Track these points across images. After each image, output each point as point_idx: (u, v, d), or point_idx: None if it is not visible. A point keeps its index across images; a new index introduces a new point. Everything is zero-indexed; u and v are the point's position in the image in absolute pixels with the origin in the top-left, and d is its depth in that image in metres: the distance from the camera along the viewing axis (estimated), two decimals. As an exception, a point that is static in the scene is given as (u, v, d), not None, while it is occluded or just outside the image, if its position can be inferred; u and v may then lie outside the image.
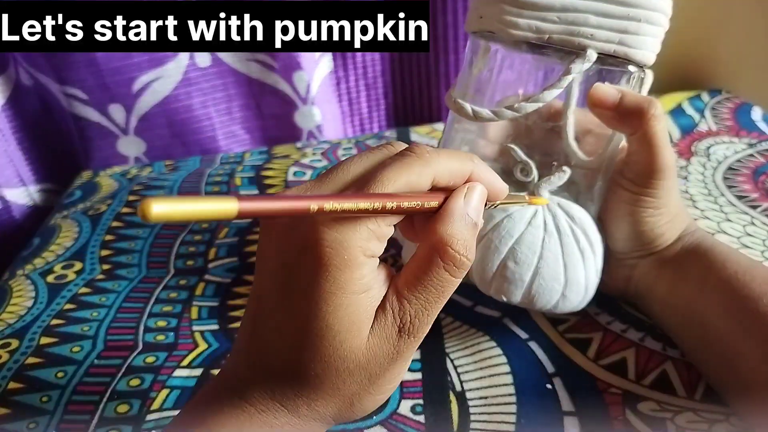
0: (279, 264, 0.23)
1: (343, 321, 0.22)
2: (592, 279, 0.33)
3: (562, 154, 0.34)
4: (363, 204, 0.20)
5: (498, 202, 0.26)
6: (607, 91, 0.31)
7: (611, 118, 0.32)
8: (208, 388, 0.26)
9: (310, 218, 0.22)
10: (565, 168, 0.33)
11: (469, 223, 0.24)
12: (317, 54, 0.67)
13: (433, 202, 0.23)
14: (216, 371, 0.36)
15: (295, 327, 0.23)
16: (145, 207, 0.13)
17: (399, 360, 0.24)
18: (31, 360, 0.37)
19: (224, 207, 0.15)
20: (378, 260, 0.24)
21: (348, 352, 0.23)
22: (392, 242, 0.28)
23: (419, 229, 0.25)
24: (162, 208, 0.14)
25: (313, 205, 0.18)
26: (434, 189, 0.24)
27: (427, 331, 0.24)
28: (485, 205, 0.25)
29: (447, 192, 0.24)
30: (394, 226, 0.24)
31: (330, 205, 0.19)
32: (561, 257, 0.32)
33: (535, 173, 0.34)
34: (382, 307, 0.23)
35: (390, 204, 0.21)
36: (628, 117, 0.31)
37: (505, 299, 0.33)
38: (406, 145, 0.25)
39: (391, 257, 0.43)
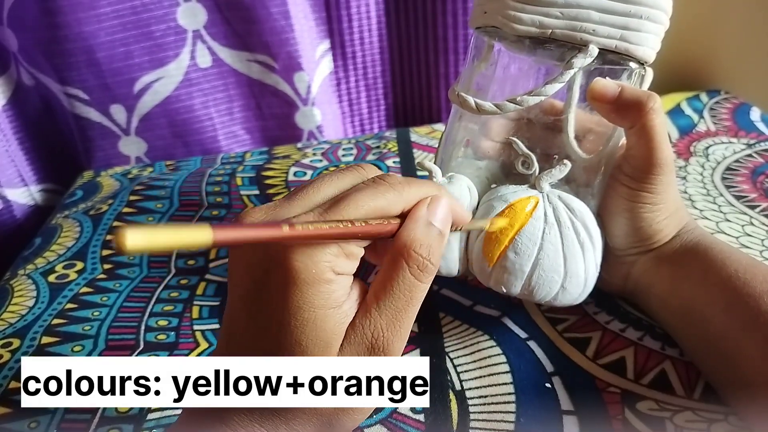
0: (248, 281, 0.23)
1: (311, 337, 0.22)
2: (591, 272, 0.33)
3: (563, 150, 0.35)
4: (331, 225, 0.21)
5: (461, 227, 0.28)
6: (606, 84, 0.32)
7: (610, 112, 0.32)
8: (189, 412, 0.25)
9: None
10: (566, 161, 0.33)
11: (433, 230, 0.24)
12: (318, 55, 0.67)
13: (396, 221, 0.24)
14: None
15: (266, 344, 0.23)
16: (119, 238, 0.13)
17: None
18: (33, 359, 0.37)
19: (199, 236, 0.15)
20: (351, 278, 0.24)
21: None
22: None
23: (381, 251, 0.26)
24: (137, 239, 0.13)
25: (285, 228, 0.19)
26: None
27: (402, 347, 0.24)
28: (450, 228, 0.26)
29: None
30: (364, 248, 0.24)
31: (301, 228, 0.19)
32: (561, 249, 0.32)
33: (536, 166, 0.34)
34: (352, 324, 0.23)
35: (358, 224, 0.22)
36: (627, 110, 0.32)
37: (504, 290, 0.33)
38: (378, 170, 0.26)
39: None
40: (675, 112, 0.61)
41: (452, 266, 0.34)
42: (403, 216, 0.25)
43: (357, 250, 0.24)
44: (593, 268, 0.34)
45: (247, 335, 0.24)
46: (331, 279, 0.22)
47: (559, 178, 0.34)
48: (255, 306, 0.23)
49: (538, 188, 0.34)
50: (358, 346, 0.23)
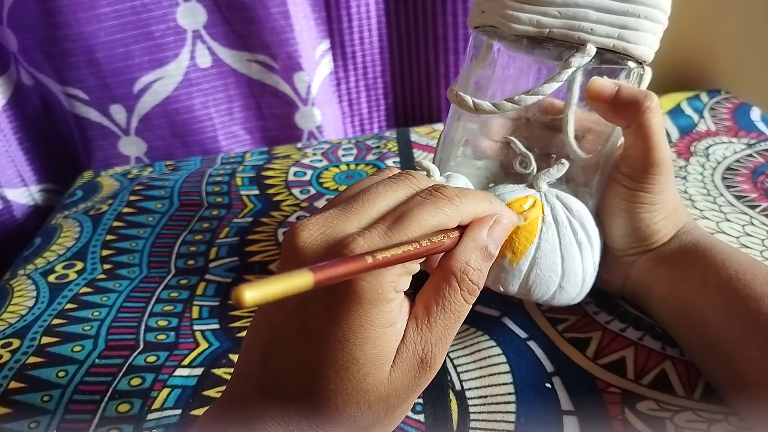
0: (303, 295, 0.23)
1: (369, 354, 0.22)
2: (589, 271, 0.33)
3: (561, 149, 0.35)
4: (405, 249, 0.22)
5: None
6: (603, 83, 0.32)
7: (607, 111, 0.32)
8: (213, 416, 0.25)
9: (344, 251, 0.22)
10: (563, 161, 0.33)
11: (486, 254, 0.25)
12: (318, 55, 0.67)
13: (455, 234, 0.24)
14: (217, 370, 0.36)
15: (316, 357, 0.23)
16: (238, 295, 0.16)
17: (416, 391, 0.24)
18: (33, 359, 0.37)
19: (302, 281, 0.18)
20: (404, 294, 0.24)
21: (370, 385, 0.23)
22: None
23: (432, 259, 0.26)
24: (253, 295, 0.16)
25: (369, 259, 0.20)
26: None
27: (442, 361, 0.25)
28: None
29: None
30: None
31: (381, 257, 0.21)
32: (558, 248, 0.32)
33: (533, 165, 0.34)
34: (403, 340, 0.24)
35: (425, 243, 0.23)
36: (624, 109, 0.32)
37: (502, 290, 0.33)
38: (427, 178, 0.26)
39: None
40: (675, 112, 0.61)
41: None
42: (460, 227, 0.25)
43: (415, 266, 0.24)
44: (591, 268, 0.34)
45: (294, 347, 0.23)
46: (392, 298, 0.23)
47: (557, 177, 0.34)
48: (310, 318, 0.23)
49: (535, 187, 0.34)
50: (410, 361, 0.24)
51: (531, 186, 0.34)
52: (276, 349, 0.24)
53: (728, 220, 0.45)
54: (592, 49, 0.31)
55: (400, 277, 0.23)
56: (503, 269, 0.32)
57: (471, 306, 0.25)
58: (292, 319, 0.23)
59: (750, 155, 0.53)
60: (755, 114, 0.60)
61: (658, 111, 0.31)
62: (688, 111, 0.62)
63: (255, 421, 0.23)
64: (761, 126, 0.58)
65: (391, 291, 0.22)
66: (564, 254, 0.32)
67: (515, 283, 0.32)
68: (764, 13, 0.62)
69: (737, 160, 0.53)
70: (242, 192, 0.54)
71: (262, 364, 0.24)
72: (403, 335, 0.24)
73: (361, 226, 0.23)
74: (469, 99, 0.33)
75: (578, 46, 0.31)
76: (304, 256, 0.23)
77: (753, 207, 0.47)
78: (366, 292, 0.22)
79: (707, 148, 0.55)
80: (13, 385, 0.36)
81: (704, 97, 0.64)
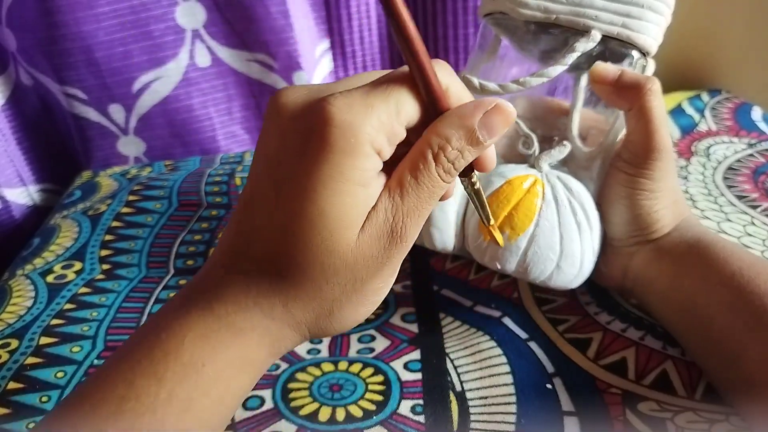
0: (281, 148, 0.23)
1: (338, 209, 0.22)
2: (587, 254, 0.34)
3: (564, 131, 0.36)
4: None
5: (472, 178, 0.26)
6: (608, 67, 0.33)
7: (611, 93, 0.33)
8: (184, 290, 0.24)
9: (321, 103, 0.21)
10: (565, 143, 0.35)
11: (473, 138, 0.23)
12: (317, 54, 0.67)
13: (447, 97, 0.23)
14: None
15: (286, 210, 0.22)
16: None
17: (387, 266, 0.23)
18: (31, 360, 0.37)
19: None
20: (382, 163, 0.23)
21: (336, 245, 0.22)
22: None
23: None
24: None
25: None
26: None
27: (415, 237, 0.24)
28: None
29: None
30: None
31: None
32: (557, 227, 0.33)
33: (536, 146, 0.35)
34: (374, 207, 0.23)
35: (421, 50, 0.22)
36: (626, 91, 0.32)
37: (499, 267, 0.33)
38: None
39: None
40: (676, 112, 0.61)
41: (448, 241, 0.35)
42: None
43: (398, 129, 0.23)
44: (590, 251, 0.34)
45: (268, 201, 0.23)
46: (368, 153, 0.22)
47: (559, 158, 0.35)
48: (284, 172, 0.22)
49: (537, 168, 0.35)
50: (380, 229, 0.23)
51: (533, 166, 0.35)
52: (252, 208, 0.23)
53: (729, 220, 0.45)
54: (597, 36, 0.32)
55: (378, 133, 0.22)
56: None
57: (447, 185, 0.23)
58: (272, 174, 0.23)
59: (751, 155, 0.53)
60: (756, 114, 0.60)
61: (659, 95, 0.32)
62: (689, 111, 0.61)
63: (217, 288, 0.23)
64: (762, 126, 0.58)
65: (366, 144, 0.21)
66: (563, 233, 0.33)
67: (513, 261, 0.33)
68: (765, 13, 0.62)
69: (738, 160, 0.53)
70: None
71: (237, 226, 0.24)
72: (376, 203, 0.23)
73: (346, 89, 0.22)
74: (475, 80, 0.34)
75: (583, 32, 0.32)
76: (283, 113, 0.22)
77: (754, 207, 0.47)
78: (338, 140, 0.21)
79: (708, 147, 0.55)
80: (12, 385, 0.35)
81: (705, 96, 0.64)
